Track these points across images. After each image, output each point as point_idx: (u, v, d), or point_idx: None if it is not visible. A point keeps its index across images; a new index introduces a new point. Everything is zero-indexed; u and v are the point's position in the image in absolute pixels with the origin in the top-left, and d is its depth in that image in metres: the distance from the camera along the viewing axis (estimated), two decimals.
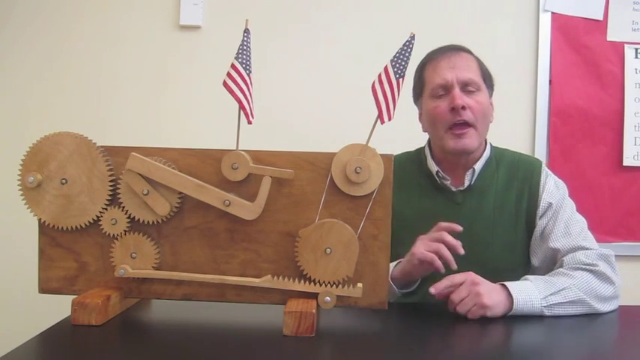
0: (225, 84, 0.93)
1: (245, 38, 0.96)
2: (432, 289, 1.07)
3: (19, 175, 0.97)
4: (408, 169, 1.36)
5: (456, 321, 1.06)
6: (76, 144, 0.97)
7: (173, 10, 1.97)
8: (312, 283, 0.96)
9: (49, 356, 0.86)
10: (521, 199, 1.28)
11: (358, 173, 0.95)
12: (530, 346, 0.97)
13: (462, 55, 1.28)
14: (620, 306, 1.20)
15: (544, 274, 1.19)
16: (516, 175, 1.30)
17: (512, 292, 1.07)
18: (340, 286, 0.96)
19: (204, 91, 1.96)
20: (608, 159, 2.01)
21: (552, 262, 1.25)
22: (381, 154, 0.97)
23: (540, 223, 1.27)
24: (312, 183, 0.98)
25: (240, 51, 0.95)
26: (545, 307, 1.08)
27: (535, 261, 1.28)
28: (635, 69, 2.00)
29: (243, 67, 0.94)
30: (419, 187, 1.33)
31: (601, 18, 1.99)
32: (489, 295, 1.06)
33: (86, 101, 1.97)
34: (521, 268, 1.28)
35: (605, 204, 2.01)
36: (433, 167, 1.31)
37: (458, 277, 1.08)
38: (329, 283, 0.96)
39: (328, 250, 0.95)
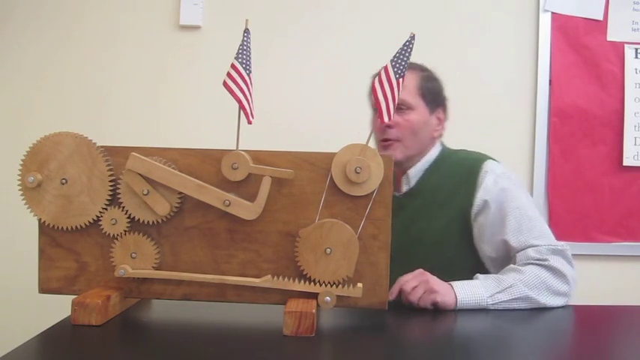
0: (225, 84, 0.93)
1: (245, 38, 0.96)
2: (389, 296, 1.10)
3: (19, 175, 0.97)
4: None
5: (456, 321, 1.06)
6: (76, 144, 0.97)
7: (173, 10, 1.97)
8: (312, 283, 0.96)
9: (49, 356, 0.86)
10: (456, 198, 1.30)
11: (358, 173, 0.95)
12: (528, 347, 0.97)
13: None
14: (620, 306, 1.20)
15: (501, 265, 1.24)
16: (456, 175, 1.33)
17: (456, 292, 1.12)
18: (340, 286, 0.96)
19: (204, 91, 1.96)
20: (608, 159, 2.01)
21: (507, 254, 1.26)
22: (381, 154, 0.97)
23: (479, 220, 1.27)
24: (312, 183, 0.98)
25: (240, 51, 0.95)
26: (490, 303, 1.13)
27: (490, 253, 1.28)
28: (635, 69, 2.00)
29: (243, 67, 0.94)
30: None
31: (601, 18, 1.99)
32: (438, 283, 1.12)
33: (86, 101, 1.97)
34: (457, 265, 1.29)
35: (605, 204, 2.00)
36: None
37: (406, 275, 1.15)
38: (329, 283, 0.96)
39: (328, 250, 0.95)
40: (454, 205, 1.30)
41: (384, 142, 1.34)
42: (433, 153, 1.38)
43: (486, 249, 1.27)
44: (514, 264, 1.21)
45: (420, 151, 1.36)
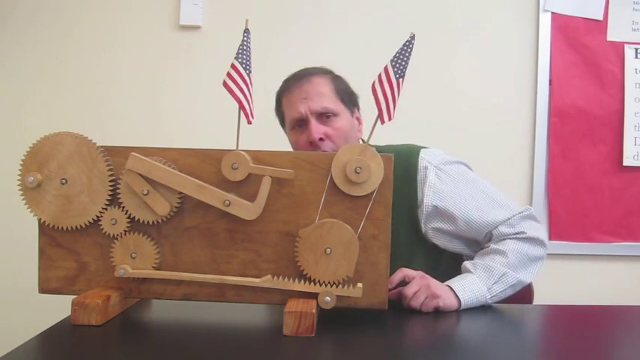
0: (225, 84, 0.93)
1: (245, 38, 0.96)
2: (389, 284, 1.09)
3: (19, 175, 0.97)
4: None
5: (456, 321, 1.06)
6: (76, 144, 0.97)
7: (173, 10, 1.97)
8: (312, 283, 0.96)
9: (49, 356, 0.86)
10: (400, 197, 1.15)
11: (358, 173, 0.95)
12: (528, 347, 0.97)
13: (312, 81, 1.25)
14: (620, 306, 1.20)
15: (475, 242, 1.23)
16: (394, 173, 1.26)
17: (458, 295, 1.10)
18: (340, 286, 0.96)
19: (204, 91, 1.96)
20: (608, 159, 2.01)
21: (477, 232, 1.22)
22: (381, 154, 0.97)
23: (437, 227, 1.22)
24: (312, 183, 0.98)
25: (240, 51, 0.95)
26: (489, 297, 1.13)
27: (463, 248, 1.26)
28: (635, 69, 2.00)
29: (243, 67, 0.94)
30: None
31: (601, 18, 1.99)
32: (439, 287, 1.10)
33: (86, 101, 1.97)
34: (414, 261, 1.23)
35: (605, 204, 2.01)
36: None
37: (410, 271, 1.13)
38: (329, 283, 0.96)
39: (328, 250, 0.95)
40: (401, 210, 1.19)
41: None
42: None
43: (459, 247, 1.25)
44: (489, 241, 1.20)
45: None
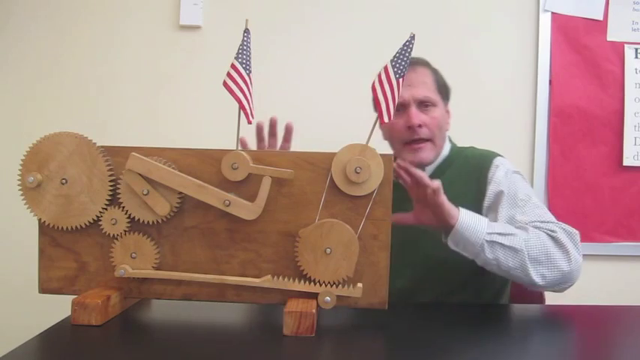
0: (225, 84, 0.93)
1: (245, 38, 0.96)
2: (400, 162, 1.11)
3: (19, 175, 0.97)
4: None
5: (456, 321, 1.06)
6: (76, 144, 0.97)
7: (173, 10, 1.97)
8: (312, 283, 0.96)
9: (49, 356, 0.86)
10: (467, 194, 1.28)
11: (358, 173, 0.95)
12: (529, 347, 0.97)
13: (417, 71, 1.31)
14: (620, 306, 1.20)
15: None
16: (466, 170, 1.32)
17: (460, 211, 1.10)
18: (340, 286, 0.96)
19: (204, 91, 1.96)
20: (608, 159, 2.01)
21: None
22: (381, 154, 0.97)
23: (493, 210, 1.25)
24: (312, 183, 0.98)
25: (240, 51, 0.95)
26: (487, 241, 1.09)
27: None
28: (635, 69, 2.00)
29: (243, 67, 0.94)
30: None
31: (601, 18, 1.99)
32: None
33: (86, 101, 1.97)
34: (465, 259, 1.22)
35: (605, 204, 2.01)
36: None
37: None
38: (329, 283, 0.96)
39: (328, 250, 0.95)
40: (465, 202, 1.25)
41: (415, 145, 1.30)
42: (446, 149, 1.37)
43: None
44: None
45: (440, 150, 1.35)
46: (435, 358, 0.88)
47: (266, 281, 0.97)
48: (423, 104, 1.30)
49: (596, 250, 1.99)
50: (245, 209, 0.96)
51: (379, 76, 0.95)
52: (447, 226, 1.10)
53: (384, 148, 1.04)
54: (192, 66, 1.98)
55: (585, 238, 1.98)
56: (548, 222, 1.17)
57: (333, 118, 1.95)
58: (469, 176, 1.31)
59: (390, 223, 0.98)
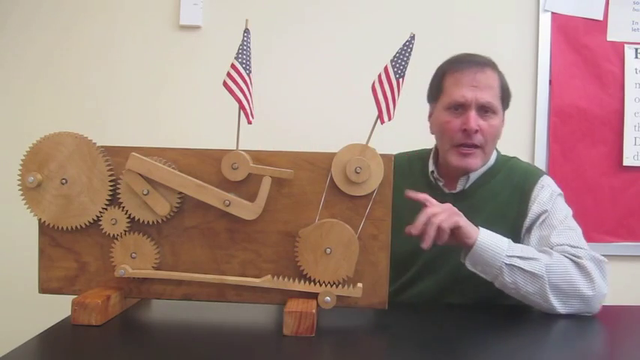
0: (225, 84, 0.93)
1: (245, 38, 0.96)
2: (411, 229, 1.05)
3: (19, 175, 0.97)
4: (414, 165, 1.36)
5: (456, 321, 1.06)
6: (76, 144, 0.97)
7: (173, 10, 1.97)
8: (312, 283, 0.96)
9: (49, 356, 0.86)
10: (509, 208, 1.24)
11: (358, 173, 0.95)
12: (529, 347, 0.97)
13: (486, 73, 1.24)
14: (620, 306, 1.19)
15: None
16: (510, 184, 1.27)
17: (479, 232, 1.07)
18: (340, 286, 0.96)
19: (204, 91, 1.96)
20: (608, 159, 2.00)
21: None
22: (381, 154, 0.97)
23: (535, 233, 1.21)
24: (312, 183, 0.98)
25: (240, 51, 0.95)
26: (506, 264, 1.06)
27: None
28: (635, 69, 2.00)
29: (243, 67, 0.94)
30: (414, 182, 1.31)
31: (601, 18, 1.99)
32: (462, 215, 1.08)
33: (86, 101, 1.96)
34: None
35: (605, 204, 2.00)
36: (430, 166, 1.32)
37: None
38: (329, 283, 0.96)
39: (328, 250, 0.95)
40: (504, 220, 1.23)
41: (465, 149, 1.23)
42: (492, 158, 1.31)
43: None
44: None
45: (488, 159, 1.29)
46: (435, 358, 0.88)
47: (266, 281, 0.97)
48: (484, 109, 1.22)
49: (596, 250, 1.96)
50: (245, 209, 0.96)
51: (379, 76, 0.95)
52: (465, 245, 1.08)
53: (384, 148, 1.04)
54: (192, 66, 1.97)
55: (585, 238, 1.99)
56: (577, 247, 1.13)
57: (333, 118, 1.95)
58: (513, 190, 1.26)
59: (389, 223, 0.98)
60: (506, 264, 1.06)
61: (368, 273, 0.98)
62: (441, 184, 1.30)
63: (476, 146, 1.23)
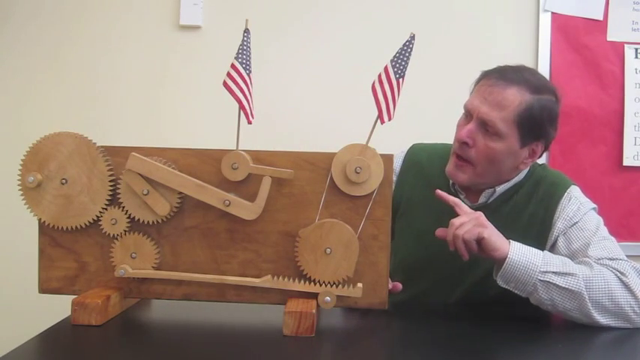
0: (225, 84, 0.93)
1: (245, 38, 0.96)
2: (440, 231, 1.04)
3: (19, 175, 0.97)
4: (434, 163, 1.29)
5: (456, 321, 1.05)
6: (76, 144, 0.97)
7: (173, 10, 1.97)
8: (312, 283, 0.96)
9: (49, 356, 0.86)
10: (532, 226, 1.18)
11: (358, 173, 0.95)
12: (528, 347, 0.97)
13: (506, 91, 1.12)
14: None
15: None
16: (535, 198, 1.19)
17: (510, 245, 1.01)
18: (340, 286, 0.96)
19: (204, 91, 1.96)
20: (608, 159, 2.00)
21: None
22: (381, 154, 0.97)
23: (562, 247, 1.13)
24: (312, 183, 0.98)
25: (240, 51, 0.95)
26: (540, 280, 1.00)
27: None
28: (635, 69, 2.00)
29: (243, 67, 0.94)
30: (435, 186, 1.20)
31: (601, 18, 1.99)
32: (491, 225, 1.03)
33: (86, 101, 1.96)
34: None
35: (605, 204, 1.99)
36: (449, 179, 1.24)
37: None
38: (329, 283, 0.96)
39: (328, 250, 0.95)
40: (530, 229, 1.17)
41: (457, 160, 1.17)
42: (522, 174, 1.22)
43: None
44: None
45: (494, 180, 1.19)
46: (435, 358, 0.88)
47: (266, 281, 0.97)
48: (484, 126, 1.13)
49: None
50: (245, 209, 0.96)
51: (379, 76, 0.95)
52: (493, 259, 1.03)
53: (384, 148, 1.04)
54: (192, 66, 1.97)
55: None
56: (617, 259, 1.06)
57: (333, 118, 1.95)
58: (537, 205, 1.19)
59: (389, 222, 0.98)
60: (540, 280, 1.00)
61: (368, 273, 0.98)
62: (462, 196, 1.23)
63: (467, 160, 1.16)
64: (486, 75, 1.19)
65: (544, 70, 2.00)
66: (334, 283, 0.96)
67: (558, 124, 1.20)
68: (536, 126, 1.14)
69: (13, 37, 1.97)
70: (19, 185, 0.97)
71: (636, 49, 2.00)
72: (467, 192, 1.24)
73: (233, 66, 0.94)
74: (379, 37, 1.93)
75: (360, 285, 0.96)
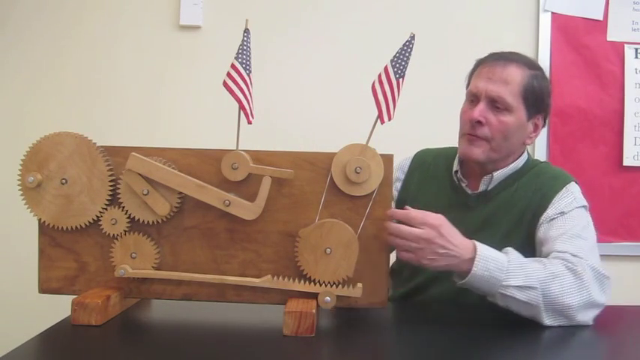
0: (225, 84, 0.93)
1: (245, 38, 0.96)
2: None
3: (19, 175, 0.97)
4: (439, 162, 1.34)
5: (456, 321, 1.05)
6: (76, 144, 0.97)
7: (173, 10, 1.97)
8: (312, 283, 0.96)
9: (49, 356, 0.86)
10: (527, 212, 1.20)
11: (358, 173, 0.95)
12: (527, 347, 0.97)
13: (507, 69, 1.20)
14: (620, 306, 1.19)
15: None
16: (534, 188, 1.22)
17: (475, 261, 0.99)
18: (340, 286, 0.96)
19: (204, 91, 1.96)
20: (608, 159, 2.00)
21: None
22: (381, 154, 0.97)
23: (543, 231, 1.16)
24: (312, 183, 0.98)
25: (240, 51, 0.95)
26: (501, 293, 1.00)
27: None
28: (635, 69, 2.00)
29: (243, 67, 0.94)
30: (438, 181, 1.31)
31: (601, 18, 1.99)
32: (450, 243, 0.99)
33: (86, 101, 1.96)
34: None
35: (605, 204, 2.00)
36: (455, 165, 1.29)
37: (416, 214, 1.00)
38: (329, 283, 0.96)
39: (328, 250, 0.95)
40: (522, 226, 1.20)
41: (470, 136, 1.20)
42: (520, 161, 1.26)
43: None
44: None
45: (505, 155, 1.24)
46: (435, 358, 0.88)
47: (266, 281, 0.97)
48: (494, 103, 1.18)
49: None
50: (245, 209, 0.96)
51: (379, 76, 0.95)
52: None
53: (384, 148, 1.04)
54: (192, 66, 1.97)
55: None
56: (580, 257, 1.06)
57: (333, 117, 1.95)
58: (534, 194, 1.21)
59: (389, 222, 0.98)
60: (500, 293, 1.00)
61: (368, 273, 0.98)
62: (464, 184, 1.27)
63: (481, 138, 1.20)
64: (482, 61, 1.26)
65: (544, 70, 2.00)
66: (334, 283, 0.96)
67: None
68: (538, 98, 1.22)
69: (14, 37, 1.97)
70: (19, 185, 0.97)
71: (636, 49, 2.00)
72: (468, 180, 1.28)
73: (233, 66, 0.94)
74: (379, 37, 1.93)
75: (360, 285, 0.96)
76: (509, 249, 1.06)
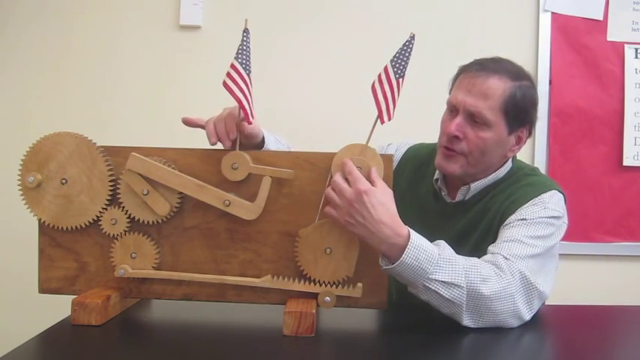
0: (225, 84, 0.93)
1: (245, 38, 0.96)
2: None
3: (19, 175, 0.97)
4: (431, 163, 1.26)
5: (457, 323, 1.05)
6: (76, 144, 0.97)
7: (173, 10, 1.97)
8: (312, 283, 0.96)
9: (49, 356, 0.86)
10: (497, 215, 1.15)
11: None
12: (527, 347, 0.97)
13: (488, 81, 1.14)
14: (620, 306, 1.19)
15: None
16: (507, 195, 1.16)
17: (407, 248, 0.92)
18: (340, 286, 0.96)
19: (204, 91, 1.95)
20: (608, 159, 2.00)
21: None
22: (381, 154, 0.97)
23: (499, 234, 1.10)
24: (312, 183, 0.98)
25: (240, 51, 0.95)
26: (425, 286, 0.94)
27: None
28: (635, 69, 2.00)
29: (243, 67, 0.94)
30: (426, 185, 1.28)
31: (601, 18, 1.99)
32: (375, 214, 0.92)
33: (86, 101, 1.97)
34: None
35: (605, 204, 2.00)
36: (436, 173, 1.25)
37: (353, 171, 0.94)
38: (329, 283, 0.96)
39: (328, 250, 0.95)
40: (492, 229, 1.14)
41: (447, 151, 1.16)
42: (501, 171, 1.20)
43: None
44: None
45: (484, 168, 1.19)
46: (436, 358, 0.88)
47: (266, 281, 0.97)
48: (472, 117, 1.13)
49: (596, 250, 1.99)
50: (245, 209, 0.96)
51: (379, 76, 0.95)
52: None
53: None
54: (192, 66, 1.97)
55: (585, 237, 1.99)
56: (511, 261, 1.00)
57: (333, 118, 1.95)
58: (508, 197, 1.15)
59: None
60: (425, 285, 0.94)
61: (368, 273, 0.98)
62: (444, 193, 1.24)
63: (457, 152, 1.15)
64: (465, 69, 1.20)
65: (544, 70, 2.01)
66: (334, 283, 0.96)
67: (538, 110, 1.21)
68: (521, 112, 1.16)
69: (14, 37, 1.97)
70: (19, 185, 0.97)
71: (636, 49, 2.00)
72: (448, 189, 1.24)
73: (233, 66, 0.94)
74: (379, 37, 1.93)
75: (360, 285, 0.96)
76: (441, 242, 0.99)
